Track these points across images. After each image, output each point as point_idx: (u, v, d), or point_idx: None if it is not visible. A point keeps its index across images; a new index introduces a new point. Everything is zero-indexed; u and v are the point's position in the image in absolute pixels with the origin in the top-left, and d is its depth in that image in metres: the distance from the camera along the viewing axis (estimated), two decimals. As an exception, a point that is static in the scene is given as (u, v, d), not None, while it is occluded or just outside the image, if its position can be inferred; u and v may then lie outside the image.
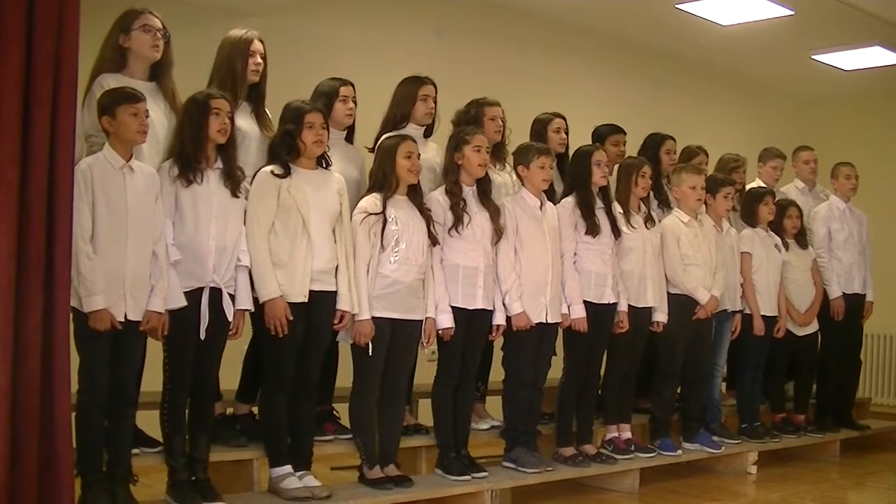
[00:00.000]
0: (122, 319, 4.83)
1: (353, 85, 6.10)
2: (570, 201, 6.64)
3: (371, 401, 5.81)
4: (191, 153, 5.16)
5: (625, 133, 7.60)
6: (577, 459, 6.67)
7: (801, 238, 8.28)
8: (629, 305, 6.88)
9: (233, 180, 5.29)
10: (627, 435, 7.07)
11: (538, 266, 6.34)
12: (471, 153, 6.08)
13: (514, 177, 6.57)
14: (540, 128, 7.06)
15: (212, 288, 5.20)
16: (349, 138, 6.23)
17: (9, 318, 4.24)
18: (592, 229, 6.58)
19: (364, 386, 5.78)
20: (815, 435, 8.38)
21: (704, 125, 10.58)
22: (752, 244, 7.86)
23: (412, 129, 6.26)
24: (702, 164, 7.87)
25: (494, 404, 6.81)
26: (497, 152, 6.62)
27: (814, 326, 8.32)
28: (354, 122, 6.19)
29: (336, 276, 5.57)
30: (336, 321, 5.58)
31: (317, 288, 5.47)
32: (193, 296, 5.15)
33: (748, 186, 8.37)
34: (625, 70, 10.61)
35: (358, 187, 6.05)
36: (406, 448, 6.19)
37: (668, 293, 7.21)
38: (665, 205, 7.53)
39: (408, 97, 6.32)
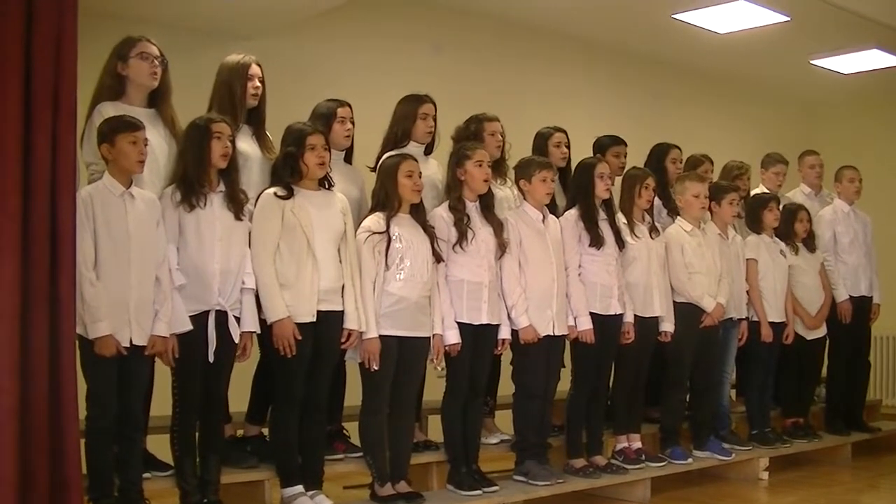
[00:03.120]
0: (128, 345, 4.88)
1: (350, 106, 6.13)
2: (573, 213, 6.65)
3: (380, 418, 5.82)
4: (193, 178, 5.20)
5: (626, 144, 7.61)
6: (588, 471, 6.67)
7: (810, 242, 8.27)
8: (635, 315, 6.88)
9: (235, 203, 5.33)
10: (637, 444, 7.06)
11: (543, 279, 6.35)
12: (473, 168, 6.11)
13: (516, 191, 6.58)
14: (541, 142, 7.08)
15: (217, 311, 5.23)
16: (348, 159, 6.25)
17: (14, 344, 4.27)
18: (596, 241, 6.59)
19: (373, 404, 5.80)
20: (824, 437, 8.38)
21: (707, 133, 10.59)
22: (758, 251, 7.85)
23: (413, 148, 6.28)
24: (707, 173, 7.90)
25: (503, 418, 6.82)
26: (497, 167, 6.64)
27: (822, 330, 8.31)
28: (353, 142, 6.22)
29: (342, 296, 5.59)
30: (343, 340, 5.59)
31: (324, 308, 5.50)
32: (199, 319, 5.19)
33: (752, 193, 8.37)
34: (625, 81, 10.64)
35: (359, 207, 6.09)
36: (417, 464, 6.19)
37: (674, 302, 7.20)
38: (675, 213, 7.50)
39: (407, 116, 6.34)
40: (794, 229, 8.11)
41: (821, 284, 8.29)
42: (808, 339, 8.20)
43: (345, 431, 6.25)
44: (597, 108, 10.25)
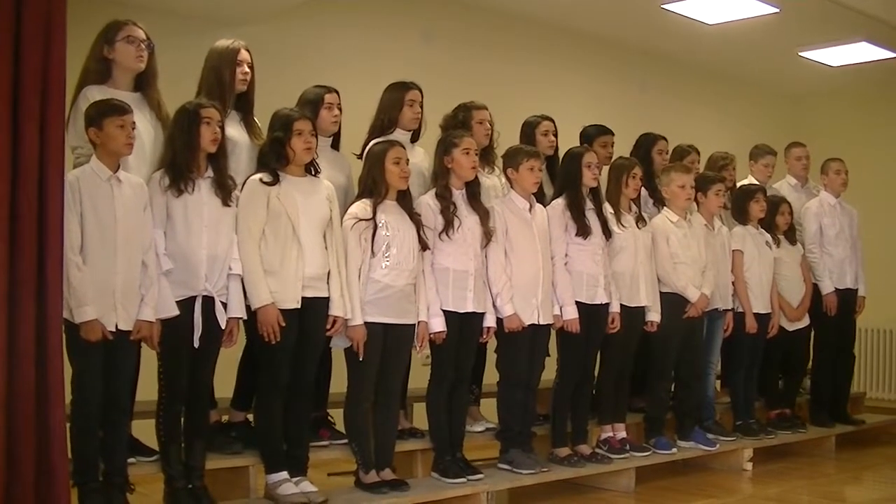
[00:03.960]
0: (114, 329, 4.86)
1: (337, 92, 6.12)
2: (560, 203, 6.66)
3: (366, 405, 5.82)
4: (182, 163, 5.18)
5: (612, 134, 7.63)
6: (573, 460, 6.69)
7: (791, 234, 8.30)
8: (622, 305, 6.89)
9: (224, 189, 5.31)
10: (622, 434, 7.09)
11: (529, 268, 6.35)
12: (460, 156, 6.10)
13: (503, 180, 6.59)
14: (528, 131, 7.09)
15: (204, 296, 5.22)
16: (335, 145, 6.25)
17: (1, 329, 4.28)
18: (583, 230, 6.60)
19: (358, 391, 5.80)
20: (809, 429, 8.41)
21: (694, 124, 10.61)
22: (744, 242, 7.87)
23: (399, 135, 6.26)
24: (693, 163, 7.90)
25: (488, 406, 6.82)
26: (485, 155, 6.66)
27: (804, 322, 8.33)
28: (340, 128, 6.22)
29: (328, 282, 5.58)
30: (328, 327, 5.59)
31: (309, 294, 5.49)
32: (186, 305, 5.18)
33: (738, 184, 8.37)
34: (613, 71, 10.64)
35: (345, 193, 6.08)
36: (402, 452, 6.20)
37: (660, 292, 7.21)
38: (661, 203, 7.51)
39: (394, 103, 6.34)
40: (775, 221, 8.12)
41: (802, 276, 8.31)
42: (790, 330, 8.21)
43: (330, 418, 6.25)
44: (586, 98, 10.24)
